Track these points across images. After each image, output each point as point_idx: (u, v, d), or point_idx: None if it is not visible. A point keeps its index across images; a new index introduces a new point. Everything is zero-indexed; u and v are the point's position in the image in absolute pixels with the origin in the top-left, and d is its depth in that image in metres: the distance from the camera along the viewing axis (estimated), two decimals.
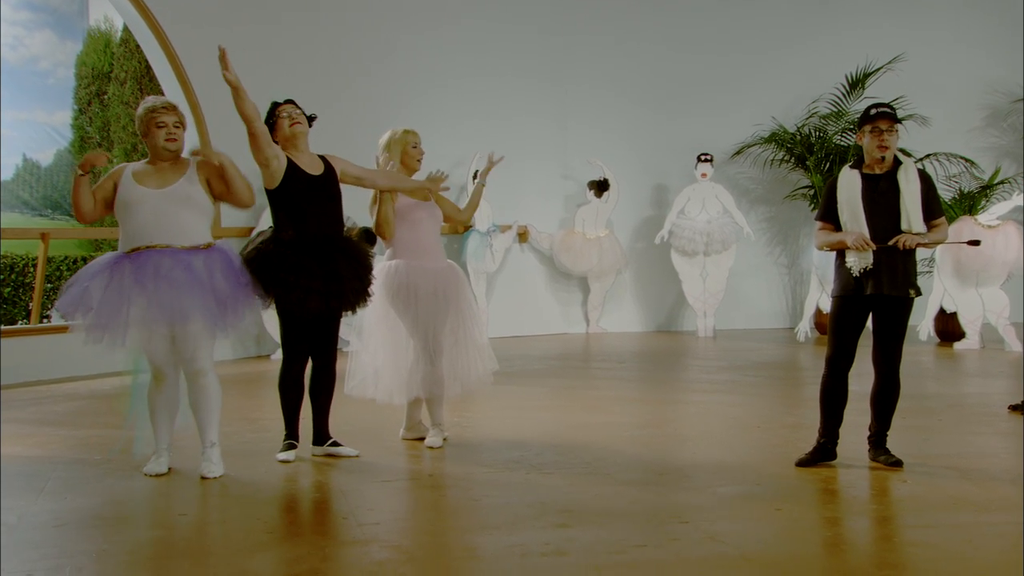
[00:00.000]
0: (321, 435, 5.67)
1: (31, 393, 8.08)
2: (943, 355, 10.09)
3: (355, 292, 5.46)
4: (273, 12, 10.72)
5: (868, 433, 5.41)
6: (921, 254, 11.57)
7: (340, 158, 5.68)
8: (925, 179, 5.24)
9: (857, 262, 5.17)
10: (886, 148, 5.11)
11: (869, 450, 5.41)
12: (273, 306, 5.38)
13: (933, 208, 5.22)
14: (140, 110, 5.24)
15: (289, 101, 5.54)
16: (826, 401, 5.37)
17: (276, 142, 5.42)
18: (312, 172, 5.45)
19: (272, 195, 5.42)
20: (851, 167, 5.28)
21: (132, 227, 5.07)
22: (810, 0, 12.95)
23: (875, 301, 5.25)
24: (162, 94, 11.03)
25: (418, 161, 6.00)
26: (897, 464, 5.26)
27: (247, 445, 5.87)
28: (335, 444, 5.65)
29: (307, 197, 5.40)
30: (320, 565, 3.82)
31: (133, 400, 5.39)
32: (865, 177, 5.22)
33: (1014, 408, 6.72)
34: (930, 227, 5.23)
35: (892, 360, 5.28)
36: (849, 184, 5.22)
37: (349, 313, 5.58)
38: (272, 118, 5.49)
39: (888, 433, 5.38)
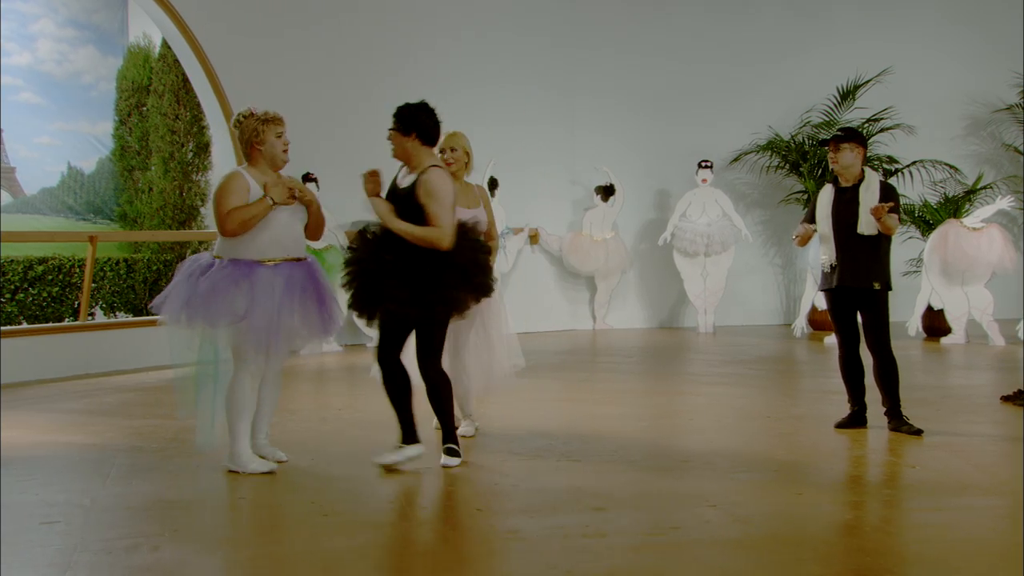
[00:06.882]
0: None
1: (81, 386, 8.10)
2: (931, 349, 10.11)
3: None
4: (301, 27, 10.74)
5: (883, 409, 5.80)
6: (908, 254, 11.73)
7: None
8: (885, 188, 5.71)
9: (826, 259, 5.77)
10: (836, 163, 5.71)
11: (888, 423, 5.77)
12: None
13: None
14: (252, 116, 5.00)
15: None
16: (843, 375, 5.92)
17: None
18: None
19: None
20: (829, 181, 5.89)
21: (265, 239, 4.96)
22: (804, 16, 12.95)
23: (849, 292, 5.74)
24: (199, 106, 11.12)
25: (450, 165, 5.68)
26: (917, 432, 5.65)
27: (291, 435, 5.88)
28: None
29: None
30: (381, 544, 3.85)
31: (198, 391, 5.31)
32: (837, 189, 5.79)
33: (1006, 399, 6.74)
34: None
35: (879, 343, 5.72)
36: (823, 195, 5.85)
37: None
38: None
39: (901, 406, 5.73)
